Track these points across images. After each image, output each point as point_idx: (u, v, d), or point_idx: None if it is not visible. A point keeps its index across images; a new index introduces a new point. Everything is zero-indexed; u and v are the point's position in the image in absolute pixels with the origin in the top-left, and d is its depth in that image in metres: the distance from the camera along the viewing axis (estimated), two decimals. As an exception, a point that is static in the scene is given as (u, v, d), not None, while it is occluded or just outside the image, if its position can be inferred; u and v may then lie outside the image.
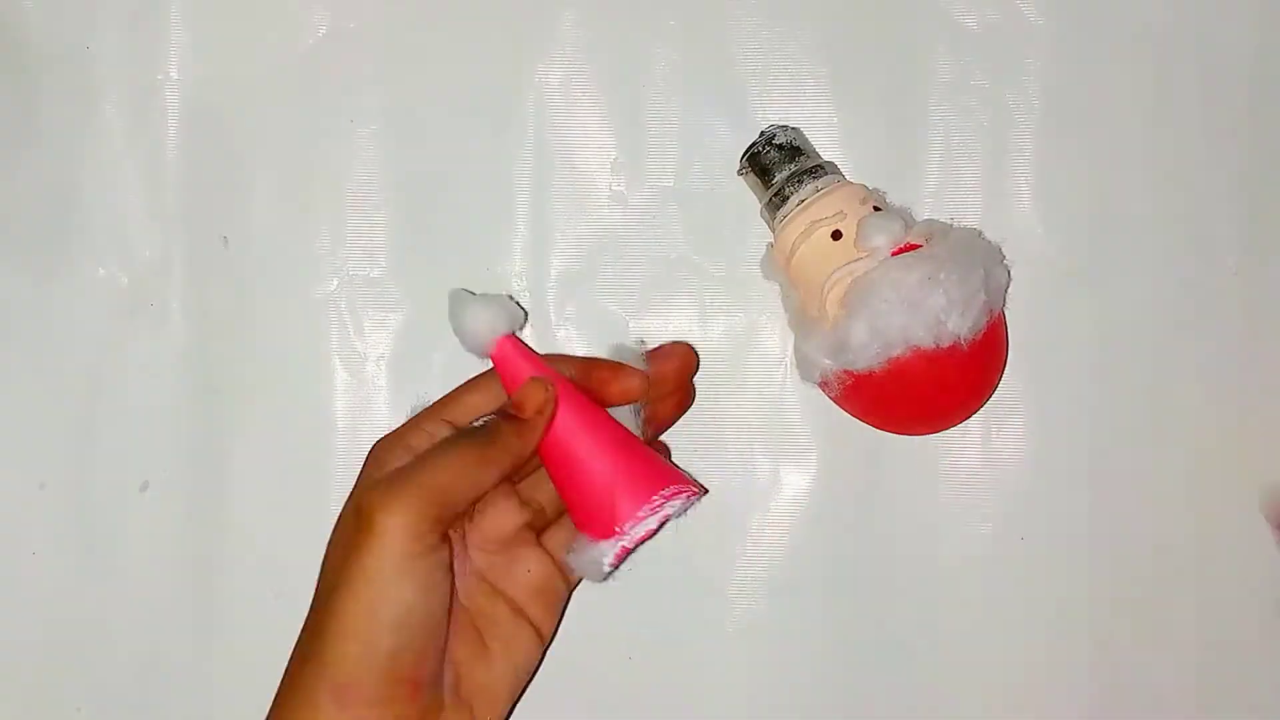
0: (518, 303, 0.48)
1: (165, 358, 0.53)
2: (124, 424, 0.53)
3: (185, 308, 0.53)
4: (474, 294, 0.47)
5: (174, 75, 0.53)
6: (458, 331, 0.47)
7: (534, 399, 0.45)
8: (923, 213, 0.53)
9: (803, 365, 0.49)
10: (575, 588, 0.49)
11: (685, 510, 0.46)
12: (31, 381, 0.53)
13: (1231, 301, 0.54)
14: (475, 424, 0.45)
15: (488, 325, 0.46)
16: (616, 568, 0.46)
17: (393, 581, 0.41)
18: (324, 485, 0.53)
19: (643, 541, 0.46)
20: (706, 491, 0.49)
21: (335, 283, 0.54)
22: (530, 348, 0.47)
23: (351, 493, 0.45)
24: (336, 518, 0.44)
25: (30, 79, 0.53)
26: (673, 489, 0.46)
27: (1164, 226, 0.54)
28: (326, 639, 0.42)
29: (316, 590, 0.44)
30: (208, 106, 0.53)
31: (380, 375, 0.54)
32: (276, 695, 0.43)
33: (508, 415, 0.45)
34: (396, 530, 0.41)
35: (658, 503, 0.45)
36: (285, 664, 0.44)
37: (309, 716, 0.41)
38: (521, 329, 0.48)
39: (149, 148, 0.53)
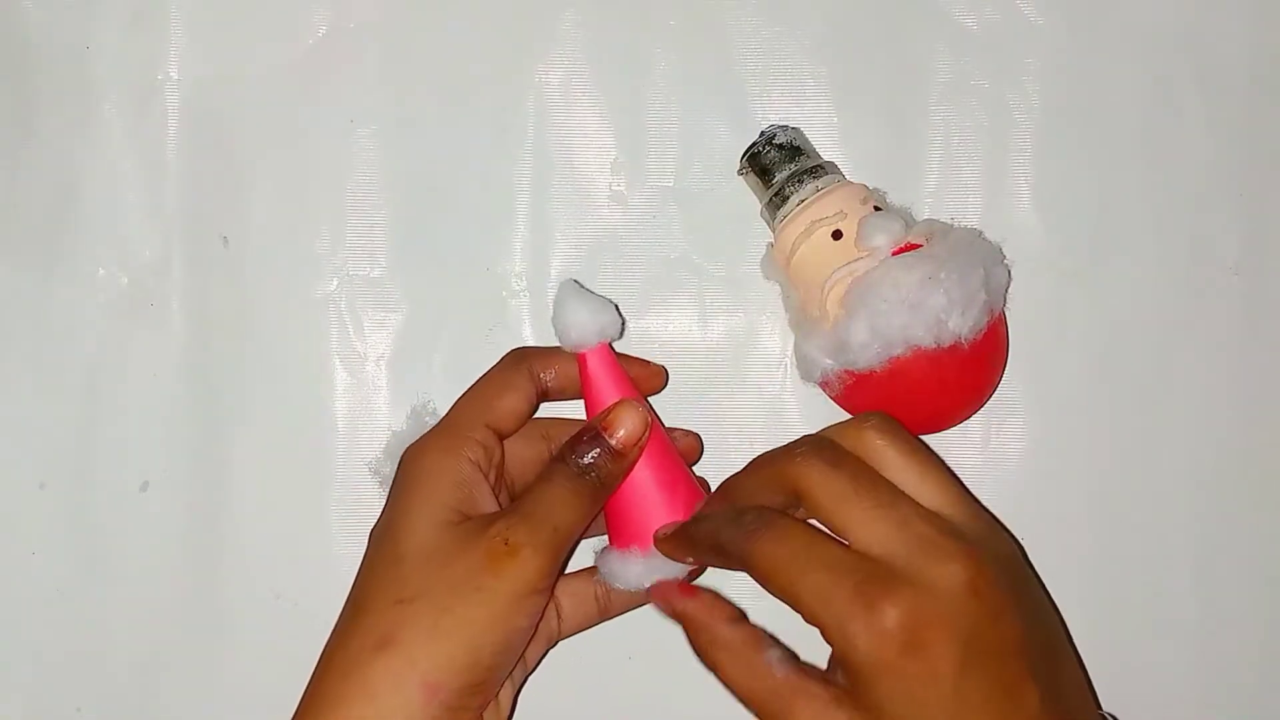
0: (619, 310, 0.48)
1: (165, 358, 0.53)
2: (124, 424, 0.53)
3: (185, 308, 0.53)
4: (587, 290, 0.48)
5: (174, 75, 0.53)
6: (566, 321, 0.47)
7: (634, 431, 0.46)
8: (923, 213, 0.53)
9: (803, 365, 0.50)
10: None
11: None
12: (31, 381, 0.53)
13: (1231, 301, 0.54)
14: (583, 461, 0.45)
15: (597, 328, 0.47)
16: None
17: (516, 609, 0.43)
18: (324, 485, 0.53)
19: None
20: None
21: (335, 283, 0.54)
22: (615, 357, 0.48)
23: (403, 502, 0.45)
24: (410, 522, 0.45)
25: (30, 79, 0.53)
26: None
27: (1164, 226, 0.54)
28: (423, 635, 0.42)
29: (397, 584, 0.44)
30: (208, 106, 0.53)
31: (380, 375, 0.54)
32: (330, 667, 0.43)
33: (611, 452, 0.45)
34: (534, 565, 0.43)
35: None
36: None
37: (398, 703, 0.42)
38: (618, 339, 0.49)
39: (149, 148, 0.53)
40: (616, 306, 0.48)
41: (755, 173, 0.51)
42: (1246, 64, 0.54)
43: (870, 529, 0.39)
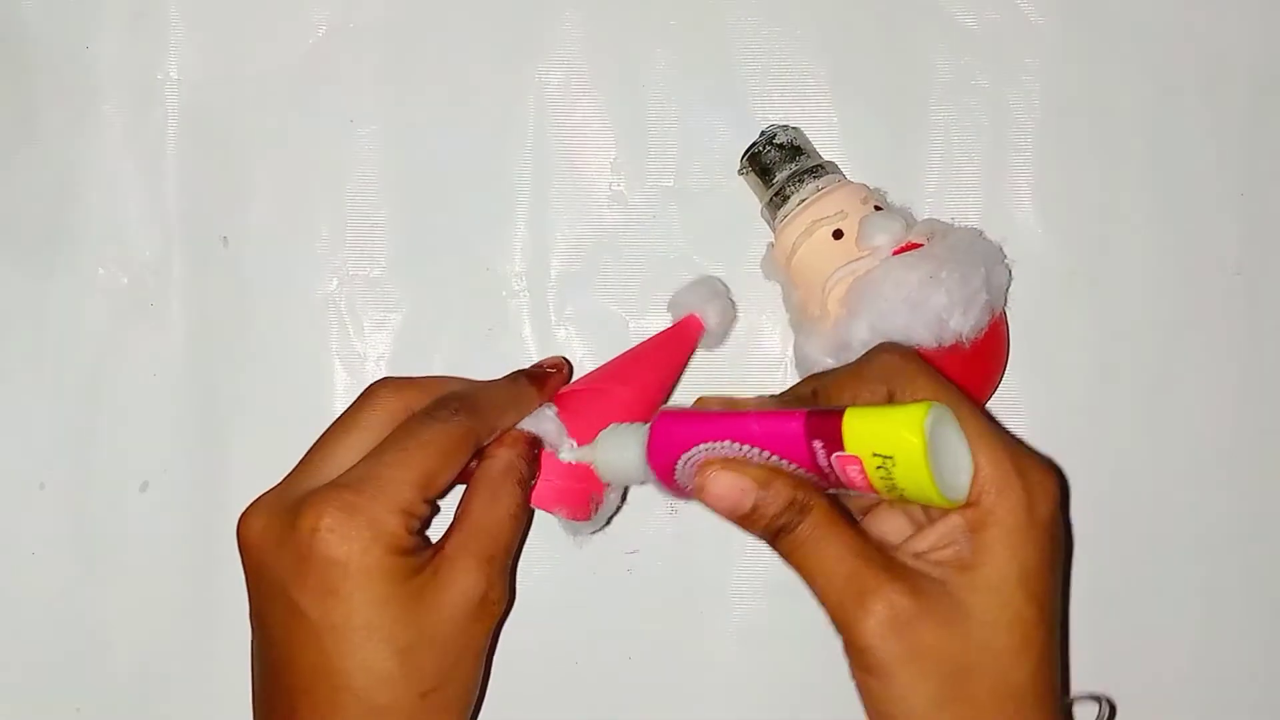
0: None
1: (165, 358, 0.53)
2: (124, 424, 0.53)
3: (185, 308, 0.53)
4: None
5: (174, 75, 0.53)
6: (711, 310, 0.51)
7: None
8: (923, 213, 0.53)
9: (803, 365, 0.49)
10: None
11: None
12: (31, 381, 0.53)
13: (1232, 301, 0.54)
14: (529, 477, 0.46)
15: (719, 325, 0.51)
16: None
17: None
18: (324, 485, 0.53)
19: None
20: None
21: (335, 283, 0.54)
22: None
23: (354, 601, 0.41)
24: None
25: (30, 79, 0.53)
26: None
27: (1164, 226, 0.54)
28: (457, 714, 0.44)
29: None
30: (208, 106, 0.53)
31: (380, 375, 0.53)
32: None
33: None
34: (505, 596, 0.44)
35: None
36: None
37: None
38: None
39: (149, 148, 0.53)
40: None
41: (755, 172, 0.51)
42: (1248, 64, 0.54)
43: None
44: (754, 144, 0.51)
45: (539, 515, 0.53)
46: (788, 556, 0.41)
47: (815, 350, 0.48)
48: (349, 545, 0.40)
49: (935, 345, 0.46)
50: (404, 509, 0.41)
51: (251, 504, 0.43)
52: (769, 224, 0.51)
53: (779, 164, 0.50)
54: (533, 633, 0.53)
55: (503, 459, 0.45)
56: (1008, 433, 0.41)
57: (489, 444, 0.45)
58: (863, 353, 0.46)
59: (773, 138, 0.51)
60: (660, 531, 0.53)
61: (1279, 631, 0.54)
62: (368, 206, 0.53)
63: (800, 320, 0.50)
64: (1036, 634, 0.39)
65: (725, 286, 0.52)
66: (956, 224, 0.51)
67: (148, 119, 0.53)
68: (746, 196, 0.52)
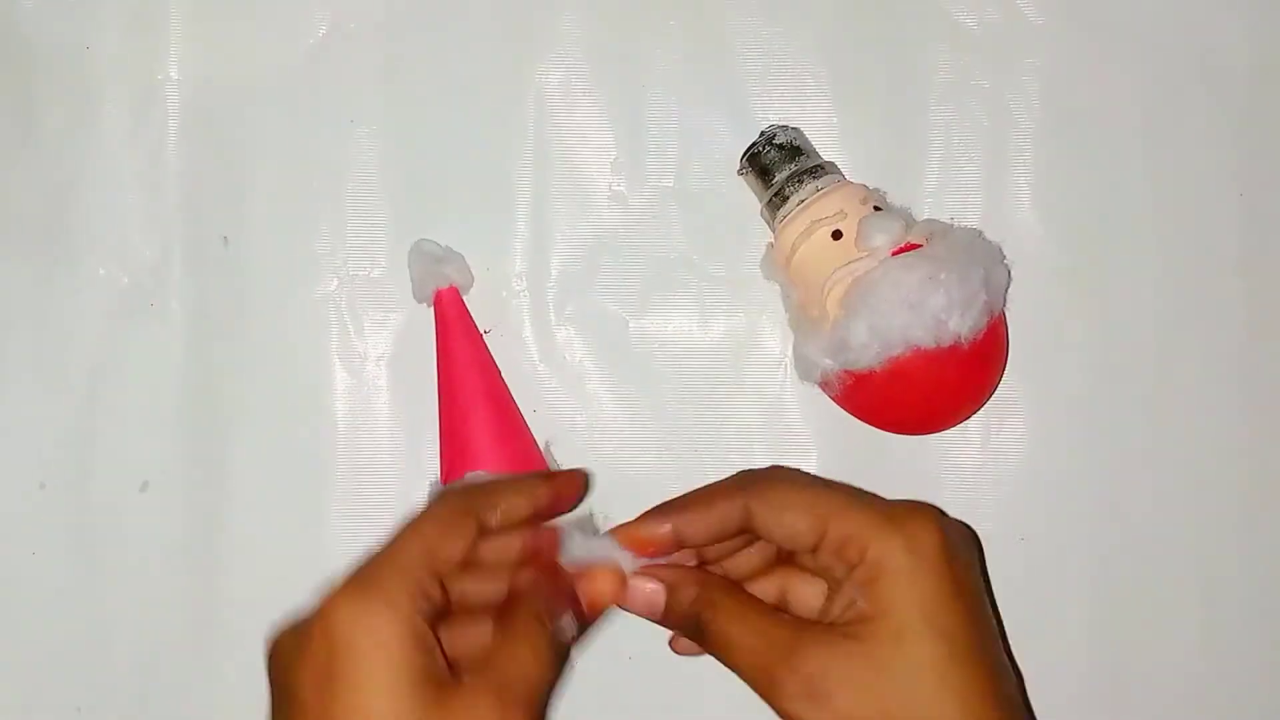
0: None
1: (165, 358, 0.53)
2: (124, 424, 0.53)
3: (185, 308, 0.53)
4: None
5: (174, 75, 0.53)
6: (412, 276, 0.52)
7: (608, 600, 0.43)
8: (923, 213, 0.53)
9: (803, 365, 0.49)
10: None
11: None
12: (31, 381, 0.53)
13: (1231, 301, 0.54)
14: (566, 635, 0.41)
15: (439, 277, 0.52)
16: None
17: None
18: (324, 485, 0.53)
19: None
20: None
21: (335, 283, 0.54)
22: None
23: (370, 685, 0.37)
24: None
25: (30, 79, 0.53)
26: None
27: (1164, 226, 0.54)
28: None
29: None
30: (208, 106, 0.53)
31: (380, 375, 0.53)
32: None
33: (584, 618, 0.43)
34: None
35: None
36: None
37: None
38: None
39: (149, 148, 0.53)
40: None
41: (755, 173, 0.51)
42: (1247, 64, 0.54)
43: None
44: (754, 144, 0.51)
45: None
46: (707, 646, 0.43)
47: (814, 351, 0.48)
48: (355, 626, 0.37)
49: (934, 346, 0.46)
50: (418, 587, 0.38)
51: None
52: (768, 224, 0.51)
53: (779, 164, 0.50)
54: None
55: (519, 596, 0.41)
56: (876, 496, 0.43)
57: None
58: (862, 353, 0.46)
59: (772, 138, 0.51)
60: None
61: (1279, 631, 0.54)
62: (368, 206, 0.53)
63: (800, 321, 0.50)
64: (952, 671, 0.39)
65: (421, 244, 0.52)
66: (956, 224, 0.51)
67: (148, 119, 0.53)
68: (746, 196, 0.52)
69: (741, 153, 0.51)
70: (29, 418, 0.53)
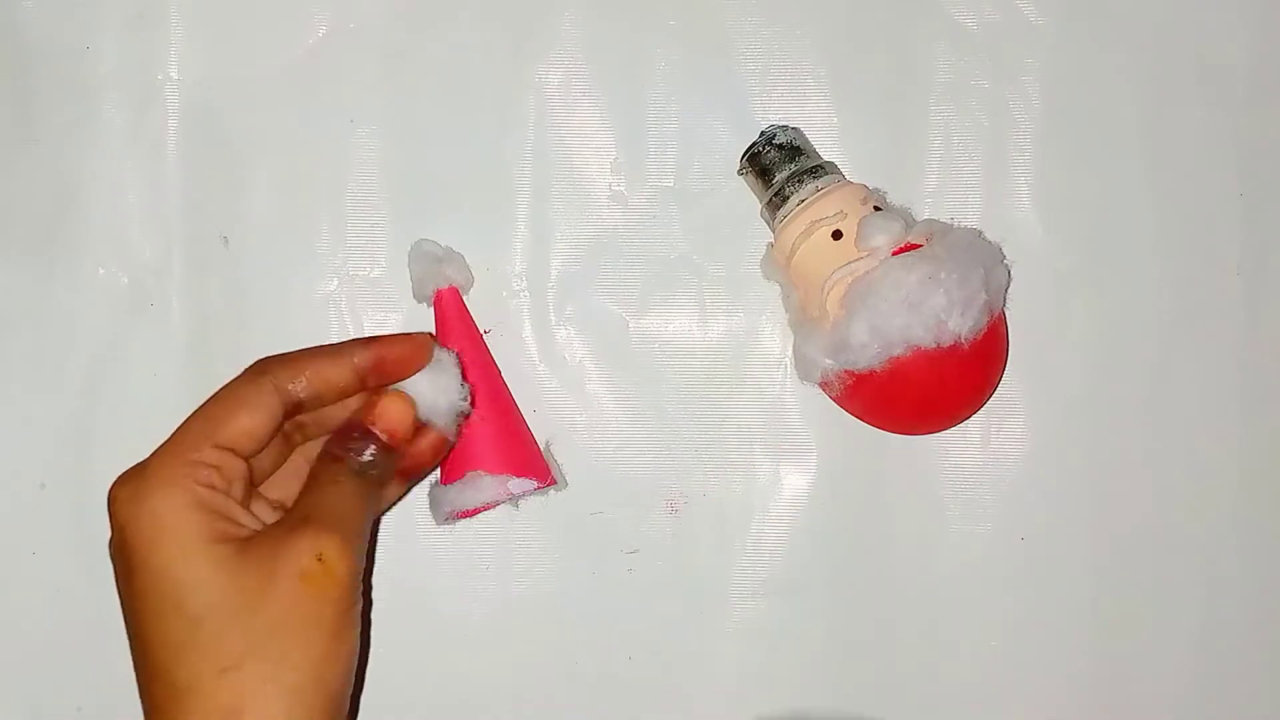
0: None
1: (165, 358, 0.53)
2: (124, 424, 0.53)
3: (185, 308, 0.53)
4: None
5: (174, 75, 0.53)
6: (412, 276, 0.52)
7: (401, 424, 0.44)
8: (923, 213, 0.53)
9: (803, 365, 0.49)
10: None
11: (528, 495, 0.51)
12: (31, 381, 0.53)
13: (1232, 301, 0.54)
14: (362, 460, 0.43)
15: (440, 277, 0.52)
16: (453, 520, 0.50)
17: (347, 625, 0.40)
18: (324, 485, 0.53)
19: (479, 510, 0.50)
20: (556, 485, 0.52)
21: (335, 283, 0.54)
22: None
23: (159, 553, 0.40)
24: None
25: (30, 79, 0.53)
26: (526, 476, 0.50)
27: (1164, 226, 0.54)
28: (270, 699, 0.39)
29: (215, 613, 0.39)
30: (208, 106, 0.53)
31: (380, 375, 0.53)
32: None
33: (384, 446, 0.44)
34: (350, 576, 0.40)
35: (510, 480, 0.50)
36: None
37: None
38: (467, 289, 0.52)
39: (149, 148, 0.53)
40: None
41: (755, 173, 0.51)
42: (1247, 64, 0.54)
43: None
44: (754, 144, 0.51)
45: (536, 519, 0.53)
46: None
47: (815, 351, 0.48)
48: (135, 507, 0.40)
49: (934, 346, 0.46)
50: (193, 459, 0.40)
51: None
52: (768, 224, 0.51)
53: (778, 164, 0.50)
54: (532, 633, 0.53)
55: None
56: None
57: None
58: (862, 353, 0.46)
59: (772, 138, 0.51)
60: (660, 531, 0.53)
61: (1279, 631, 0.54)
62: (368, 206, 0.53)
63: (800, 321, 0.50)
64: None
65: (422, 244, 0.52)
66: (956, 224, 0.51)
67: (148, 119, 0.53)
68: (746, 196, 0.52)
69: (741, 153, 0.51)
70: (29, 417, 0.53)
